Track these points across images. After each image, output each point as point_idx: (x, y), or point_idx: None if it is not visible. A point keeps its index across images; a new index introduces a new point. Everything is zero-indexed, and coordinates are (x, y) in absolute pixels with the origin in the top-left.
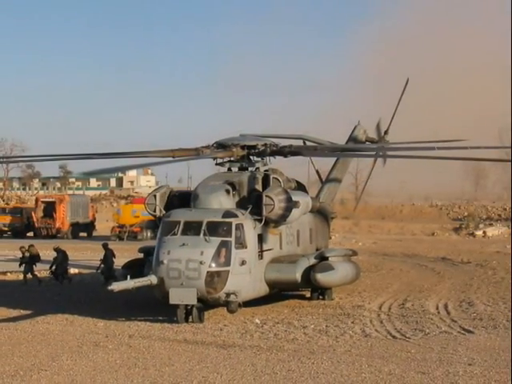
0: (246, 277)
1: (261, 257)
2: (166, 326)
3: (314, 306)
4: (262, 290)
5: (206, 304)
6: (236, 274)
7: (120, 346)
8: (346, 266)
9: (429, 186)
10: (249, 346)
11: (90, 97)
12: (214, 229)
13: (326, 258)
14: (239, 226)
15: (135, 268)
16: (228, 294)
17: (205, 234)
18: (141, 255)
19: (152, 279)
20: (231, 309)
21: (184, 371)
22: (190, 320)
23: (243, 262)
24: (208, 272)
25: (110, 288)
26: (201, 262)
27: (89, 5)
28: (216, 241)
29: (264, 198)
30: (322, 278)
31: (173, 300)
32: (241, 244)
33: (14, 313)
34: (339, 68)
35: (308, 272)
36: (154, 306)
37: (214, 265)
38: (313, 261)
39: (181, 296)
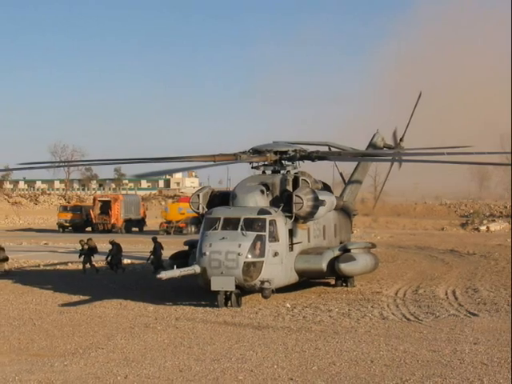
0: (278, 266)
1: (291, 249)
2: (208, 309)
3: (338, 292)
4: (293, 278)
5: (243, 290)
6: (269, 264)
7: (167, 328)
8: (366, 257)
9: (439, 186)
10: (281, 327)
11: (142, 108)
12: (250, 224)
13: (349, 250)
14: (272, 222)
15: (181, 259)
16: (262, 282)
17: (242, 229)
18: (186, 247)
19: (196, 268)
20: (265, 295)
21: (224, 349)
22: (229, 304)
23: (276, 254)
24: (245, 262)
25: (158, 276)
26: (239, 254)
27: (140, 28)
28: (252, 235)
29: (294, 197)
30: (345, 267)
31: (214, 287)
32: (274, 238)
33: (75, 298)
34: (360, 83)
35: (333, 262)
36: (197, 292)
37: (250, 256)
38: (337, 252)
39: (221, 283)
